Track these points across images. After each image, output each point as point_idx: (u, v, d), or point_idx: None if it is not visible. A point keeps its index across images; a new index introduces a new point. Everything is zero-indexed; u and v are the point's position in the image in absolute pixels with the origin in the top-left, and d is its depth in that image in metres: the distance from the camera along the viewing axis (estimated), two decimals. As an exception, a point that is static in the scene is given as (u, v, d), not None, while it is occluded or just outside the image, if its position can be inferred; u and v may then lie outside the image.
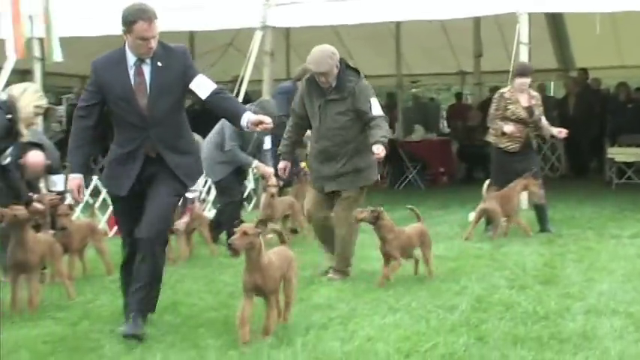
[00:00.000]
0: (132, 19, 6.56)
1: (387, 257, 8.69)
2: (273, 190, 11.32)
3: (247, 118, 6.71)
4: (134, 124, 6.71)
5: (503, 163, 11.90)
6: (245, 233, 6.32)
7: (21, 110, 7.78)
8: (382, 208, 8.69)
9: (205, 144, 11.36)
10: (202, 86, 6.79)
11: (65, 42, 14.35)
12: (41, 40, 14.50)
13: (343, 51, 22.62)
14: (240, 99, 13.15)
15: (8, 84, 12.20)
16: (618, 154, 18.69)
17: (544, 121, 12.02)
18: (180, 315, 7.47)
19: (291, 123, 9.39)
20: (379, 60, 23.33)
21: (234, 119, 6.85)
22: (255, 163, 11.36)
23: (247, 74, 15.06)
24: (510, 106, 11.73)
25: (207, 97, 6.80)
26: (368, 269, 9.49)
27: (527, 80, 11.87)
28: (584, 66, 21.53)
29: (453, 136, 22.16)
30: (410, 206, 9.46)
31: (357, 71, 8.92)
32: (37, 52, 15.16)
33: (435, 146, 20.95)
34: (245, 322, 6.40)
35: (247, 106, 11.76)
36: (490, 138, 12.07)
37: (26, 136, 7.89)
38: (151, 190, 6.78)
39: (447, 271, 9.34)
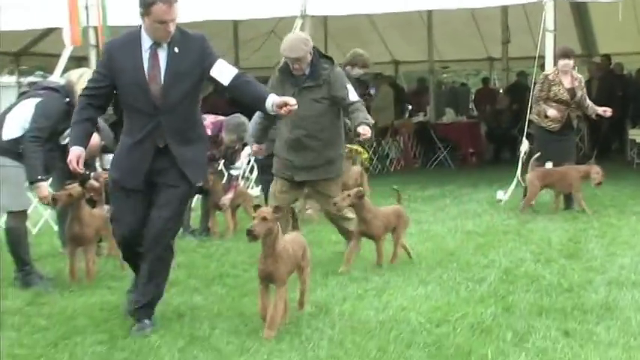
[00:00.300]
0: (151, 0, 5.87)
1: (367, 237, 8.31)
2: None
3: (272, 100, 6.00)
4: (144, 111, 6.01)
5: (544, 142, 11.80)
6: (264, 219, 5.79)
7: (78, 94, 7.83)
8: (362, 189, 8.35)
9: (251, 124, 11.41)
10: (224, 72, 6.09)
11: (118, 31, 14.40)
12: (96, 28, 14.54)
13: (377, 39, 22.76)
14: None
15: (66, 70, 12.28)
16: (639, 135, 18.63)
17: (588, 101, 11.93)
18: (227, 286, 7.52)
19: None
20: (411, 47, 23.31)
21: (259, 103, 6.12)
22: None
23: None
24: (553, 88, 11.63)
25: (230, 83, 6.08)
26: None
27: (570, 62, 11.73)
28: (607, 52, 21.32)
29: (481, 119, 22.12)
30: (395, 187, 9.21)
31: (330, 59, 8.41)
32: (92, 40, 15.20)
33: (464, 128, 20.90)
34: (267, 314, 5.92)
35: None
36: (533, 117, 11.99)
37: None
38: (158, 196, 6.12)
39: (476, 245, 9.31)
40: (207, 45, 6.11)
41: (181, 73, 5.99)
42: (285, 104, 5.96)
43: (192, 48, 6.05)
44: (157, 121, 5.98)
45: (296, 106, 5.99)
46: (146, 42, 6.01)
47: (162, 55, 6.00)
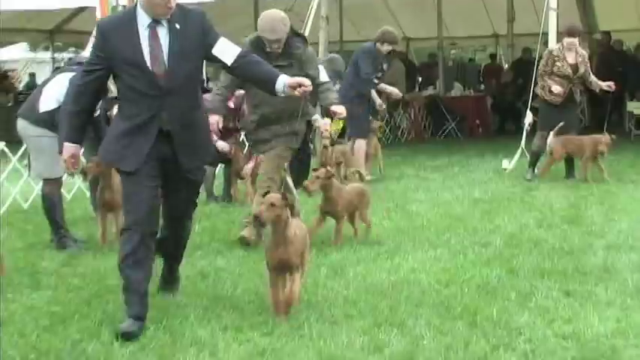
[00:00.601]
0: None
1: (330, 216, 7.82)
2: (326, 141, 11.36)
3: (284, 81, 5.33)
4: (146, 94, 5.21)
5: (548, 114, 11.73)
6: (272, 205, 5.26)
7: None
8: (331, 170, 7.82)
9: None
10: (226, 51, 5.36)
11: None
12: (124, 7, 14.53)
13: (390, 16, 22.62)
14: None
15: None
16: (637, 108, 18.68)
17: (592, 77, 11.85)
18: (247, 248, 7.52)
19: (224, 82, 7.88)
20: (422, 24, 23.25)
21: (267, 84, 5.45)
22: (315, 116, 11.35)
23: (305, 37, 14.94)
24: (557, 63, 11.56)
25: (233, 63, 5.38)
26: (412, 210, 9.47)
27: (575, 40, 11.63)
28: (607, 29, 21.15)
29: (487, 92, 22.11)
30: (356, 169, 8.99)
31: (303, 38, 7.84)
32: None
33: (471, 101, 20.94)
34: (279, 299, 5.42)
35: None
36: (538, 91, 11.92)
37: (113, 91, 7.91)
38: (169, 191, 5.54)
39: (482, 211, 9.29)
40: (207, 21, 5.42)
41: (185, 52, 5.27)
42: (300, 85, 5.35)
43: (193, 24, 5.34)
44: (161, 103, 5.23)
45: (311, 87, 5.43)
46: (144, 19, 5.24)
47: (163, 33, 5.24)
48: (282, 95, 5.54)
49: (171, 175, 5.44)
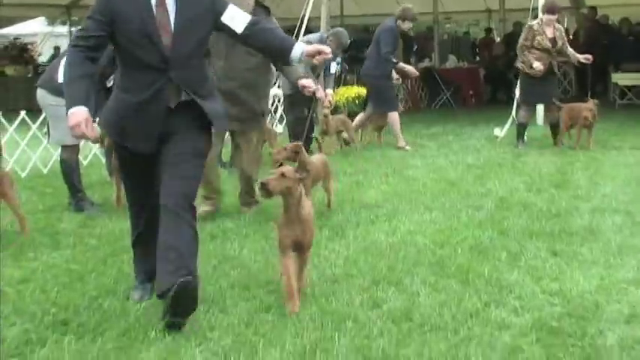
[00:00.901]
0: None
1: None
2: (327, 110, 11.34)
3: (301, 49, 4.70)
4: (152, 66, 4.49)
5: (529, 86, 11.70)
6: (283, 175, 4.64)
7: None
8: (299, 144, 7.05)
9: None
10: (236, 19, 4.71)
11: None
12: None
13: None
14: (302, 35, 12.98)
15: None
16: (621, 79, 18.72)
17: (570, 49, 11.79)
18: (255, 213, 7.51)
19: None
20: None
21: (281, 52, 4.78)
22: (317, 86, 11.31)
23: (307, 12, 14.84)
24: (537, 37, 11.49)
25: (244, 31, 4.72)
26: (409, 175, 9.45)
27: (554, 17, 11.57)
28: (593, 4, 21.02)
29: (480, 64, 22.07)
30: (316, 135, 8.75)
31: (267, 9, 7.33)
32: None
33: (465, 73, 20.94)
34: (293, 288, 4.71)
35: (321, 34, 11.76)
36: (519, 64, 11.85)
37: None
38: (171, 152, 4.60)
39: (475, 176, 9.27)
40: None
41: (193, 20, 4.59)
42: (319, 52, 4.77)
43: None
44: (167, 76, 4.50)
45: (331, 54, 4.84)
46: None
47: (170, 0, 4.55)
48: (297, 65, 5.12)
49: (172, 149, 4.59)
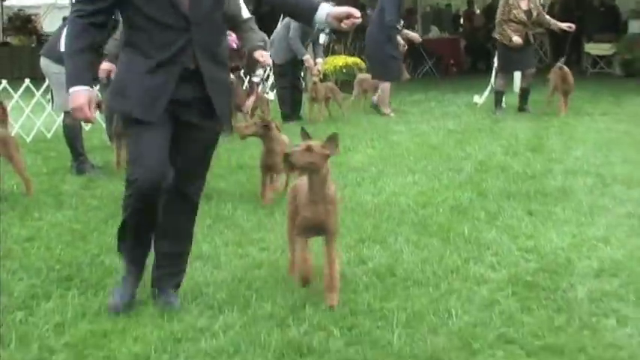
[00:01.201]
0: None
1: (273, 170, 6.41)
2: (315, 78, 11.34)
3: (327, 11, 3.85)
4: (171, 25, 3.81)
5: (507, 56, 11.61)
6: (309, 149, 3.96)
7: None
8: (267, 119, 6.63)
9: (277, 31, 11.28)
10: None
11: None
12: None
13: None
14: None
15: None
16: (593, 49, 18.73)
17: (549, 19, 11.75)
18: (246, 174, 7.49)
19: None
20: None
21: (304, 12, 3.99)
22: (306, 56, 11.30)
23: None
24: (513, 11, 11.40)
25: None
26: (393, 139, 9.43)
27: None
28: (568, -23, 20.93)
29: (462, 35, 22.00)
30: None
31: None
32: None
33: (447, 43, 20.93)
34: (309, 277, 4.12)
35: None
36: (497, 36, 11.78)
37: None
38: (184, 142, 3.98)
39: (456, 141, 9.26)
40: None
41: None
42: (348, 16, 3.85)
43: None
44: (188, 37, 3.83)
45: (360, 19, 3.90)
46: None
47: None
48: (321, 27, 4.26)
49: (183, 127, 3.97)
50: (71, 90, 3.75)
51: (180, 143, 3.97)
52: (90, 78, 3.87)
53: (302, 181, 4.24)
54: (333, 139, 4.01)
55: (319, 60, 11.48)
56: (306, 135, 4.07)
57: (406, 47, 12.26)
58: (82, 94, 3.75)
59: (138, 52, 3.87)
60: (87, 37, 3.80)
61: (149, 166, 3.81)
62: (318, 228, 4.10)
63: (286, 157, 3.98)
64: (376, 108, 11.84)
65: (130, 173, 3.94)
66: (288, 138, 6.62)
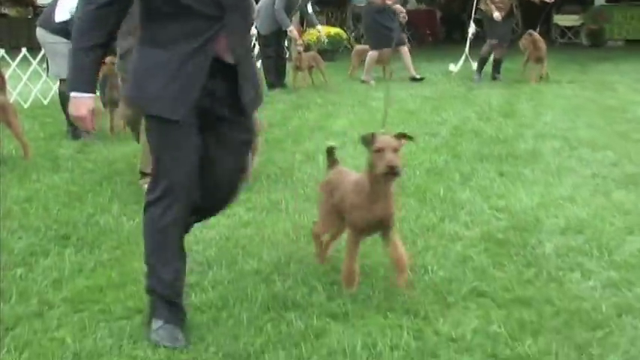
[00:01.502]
0: None
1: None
2: (300, 48, 11.28)
3: None
4: (204, 13, 3.07)
5: (493, 25, 11.51)
6: (395, 150, 3.39)
7: None
8: None
9: (262, 2, 11.19)
10: None
11: None
12: None
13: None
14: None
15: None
16: (561, 20, 18.64)
17: None
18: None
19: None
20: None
21: None
22: (290, 27, 11.20)
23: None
24: None
25: None
26: (372, 105, 9.40)
27: None
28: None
29: (437, 6, 21.87)
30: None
31: None
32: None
33: (423, 14, 20.79)
34: (355, 273, 3.63)
35: None
36: (482, 7, 11.70)
37: None
38: (218, 141, 3.28)
39: (432, 107, 9.23)
40: None
41: None
42: None
43: None
44: (222, 24, 3.11)
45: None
46: None
47: None
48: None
49: (214, 126, 3.27)
50: (72, 94, 3.13)
51: (221, 145, 3.29)
52: (94, 81, 3.19)
53: (337, 177, 3.85)
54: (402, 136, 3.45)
55: (319, 27, 11.81)
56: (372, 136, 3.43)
57: (406, 18, 11.98)
58: (83, 103, 3.11)
59: (159, 42, 3.13)
60: (92, 36, 3.08)
61: (179, 175, 3.14)
62: (379, 226, 3.58)
63: (393, 170, 3.34)
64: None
65: (151, 188, 3.22)
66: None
